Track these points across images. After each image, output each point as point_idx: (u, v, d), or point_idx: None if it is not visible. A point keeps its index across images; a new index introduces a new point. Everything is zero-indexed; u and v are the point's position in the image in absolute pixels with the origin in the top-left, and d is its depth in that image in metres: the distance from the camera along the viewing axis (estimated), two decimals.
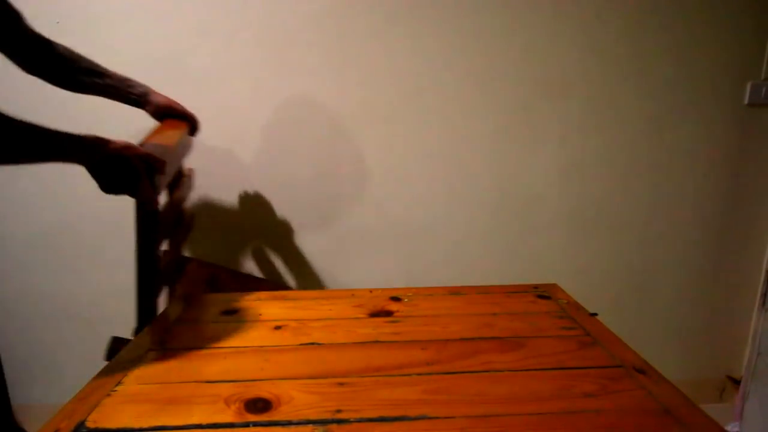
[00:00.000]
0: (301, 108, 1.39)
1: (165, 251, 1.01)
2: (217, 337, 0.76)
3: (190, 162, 1.41)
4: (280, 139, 1.41)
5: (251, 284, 1.39)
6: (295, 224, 1.46)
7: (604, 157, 1.47)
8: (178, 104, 1.10)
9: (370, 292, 0.95)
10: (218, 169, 1.41)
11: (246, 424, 0.53)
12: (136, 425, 0.54)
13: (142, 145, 0.88)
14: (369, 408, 0.56)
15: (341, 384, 0.61)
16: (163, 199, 0.90)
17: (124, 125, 1.37)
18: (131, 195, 0.80)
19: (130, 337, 0.84)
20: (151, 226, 0.88)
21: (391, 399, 0.58)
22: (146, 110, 1.07)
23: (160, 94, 1.08)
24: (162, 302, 0.95)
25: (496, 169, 1.46)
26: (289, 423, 0.54)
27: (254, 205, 1.44)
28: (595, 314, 0.83)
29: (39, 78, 0.98)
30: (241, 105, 1.38)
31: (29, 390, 1.51)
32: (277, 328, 0.79)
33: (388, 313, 0.84)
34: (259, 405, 0.57)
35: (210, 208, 1.44)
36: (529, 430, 0.52)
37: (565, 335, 0.75)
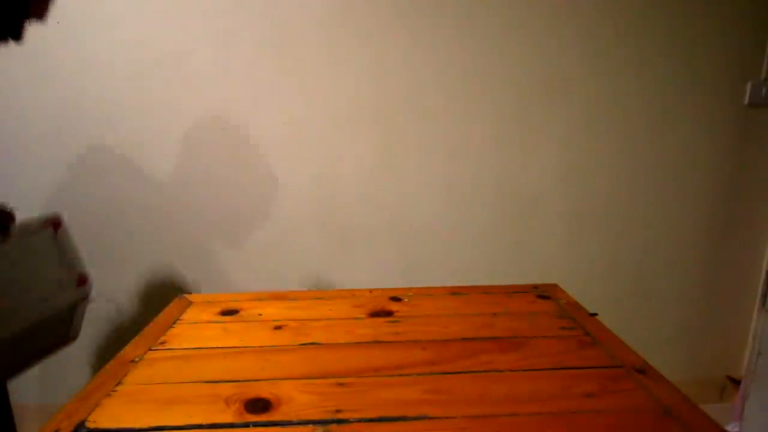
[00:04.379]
0: (301, 108, 1.39)
1: None
2: (217, 337, 0.76)
3: (192, 162, 1.41)
4: (281, 139, 1.41)
5: None
6: (295, 224, 1.46)
7: (604, 157, 1.47)
8: None
9: (370, 292, 0.95)
10: (218, 168, 1.41)
11: (246, 424, 0.53)
12: (136, 425, 0.54)
13: None
14: (369, 408, 0.56)
15: (341, 384, 0.61)
16: None
17: (129, 125, 1.37)
18: None
19: None
20: None
21: (391, 399, 0.58)
22: None
23: None
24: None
25: (496, 168, 1.46)
26: (289, 423, 0.53)
27: (254, 204, 1.44)
28: (595, 314, 0.83)
29: None
30: (241, 105, 1.38)
31: (29, 390, 1.51)
32: (277, 328, 0.79)
33: (388, 313, 0.84)
34: (259, 405, 0.57)
35: (210, 207, 1.44)
36: (529, 430, 0.52)
37: (565, 335, 0.75)
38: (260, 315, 0.85)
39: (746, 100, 1.44)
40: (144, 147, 1.38)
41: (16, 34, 0.72)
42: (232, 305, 0.89)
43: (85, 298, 0.97)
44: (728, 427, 1.58)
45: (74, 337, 0.97)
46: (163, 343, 0.74)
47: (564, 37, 1.38)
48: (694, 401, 0.56)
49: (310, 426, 0.53)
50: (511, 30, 1.37)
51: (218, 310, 0.88)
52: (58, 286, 0.93)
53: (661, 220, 1.52)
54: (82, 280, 0.97)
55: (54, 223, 0.92)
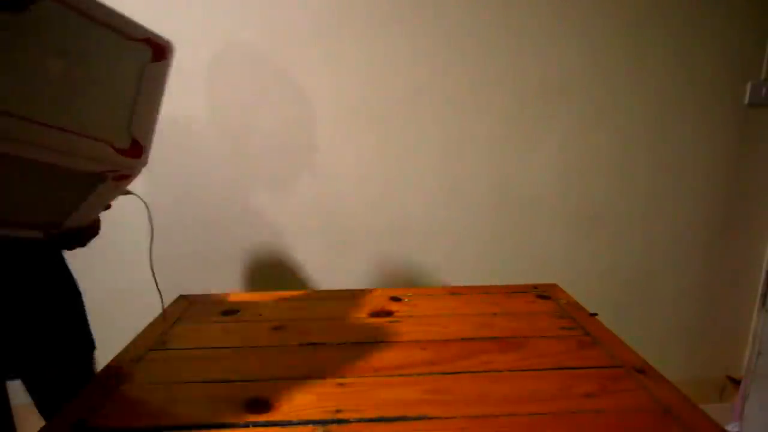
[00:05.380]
0: (300, 108, 1.39)
1: None
2: (217, 337, 0.76)
3: (191, 162, 1.41)
4: (280, 139, 1.41)
5: None
6: (295, 224, 1.46)
7: (603, 157, 1.47)
8: None
9: (370, 292, 0.95)
10: (218, 169, 1.41)
11: (246, 424, 0.53)
12: (136, 425, 0.54)
13: None
14: (369, 408, 0.56)
15: (341, 384, 0.61)
16: None
17: None
18: None
19: None
20: None
21: (391, 399, 0.58)
22: None
23: None
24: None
25: (496, 169, 1.46)
26: (289, 423, 0.53)
27: (254, 205, 1.44)
28: (595, 314, 0.83)
29: None
30: (240, 105, 1.38)
31: None
32: (277, 328, 0.79)
33: (388, 313, 0.84)
34: (259, 405, 0.57)
35: (210, 208, 1.44)
36: (529, 430, 0.52)
37: (565, 335, 0.75)
38: (260, 315, 0.85)
39: (746, 100, 1.44)
40: None
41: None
42: (232, 305, 0.89)
43: (125, 178, 0.63)
44: (728, 427, 1.58)
45: (62, 243, 0.66)
46: (163, 343, 0.74)
47: (563, 37, 1.38)
48: (694, 401, 0.56)
49: (310, 426, 0.53)
50: (509, 30, 1.37)
51: (218, 310, 0.88)
52: (114, 135, 0.60)
53: (661, 219, 1.52)
54: (136, 151, 0.63)
55: (157, 49, 0.61)
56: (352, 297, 0.92)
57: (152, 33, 0.60)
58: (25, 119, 0.49)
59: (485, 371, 0.64)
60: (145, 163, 0.65)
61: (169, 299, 0.93)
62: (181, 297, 0.96)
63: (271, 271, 1.49)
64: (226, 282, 1.48)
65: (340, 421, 0.53)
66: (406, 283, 1.51)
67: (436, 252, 1.51)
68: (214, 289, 1.48)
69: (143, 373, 0.65)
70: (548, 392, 0.59)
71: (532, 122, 1.43)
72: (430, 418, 0.54)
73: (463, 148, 1.44)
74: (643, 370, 0.64)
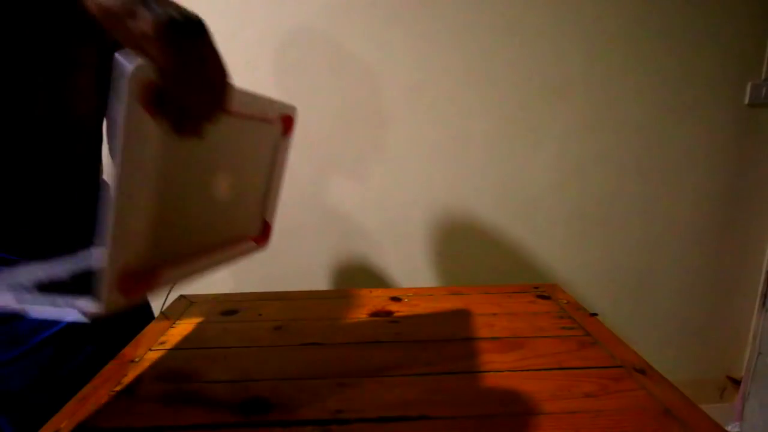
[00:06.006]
0: (300, 108, 1.39)
1: None
2: (217, 337, 0.76)
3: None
4: None
5: None
6: (294, 224, 1.46)
7: (603, 157, 1.47)
8: None
9: (370, 292, 0.95)
10: None
11: (246, 424, 0.53)
12: (137, 425, 0.54)
13: None
14: (369, 408, 0.56)
15: (341, 384, 0.61)
16: None
17: None
18: None
19: None
20: None
21: (391, 399, 0.58)
22: None
23: None
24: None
25: (496, 169, 1.46)
26: (289, 423, 0.53)
27: None
28: (595, 314, 0.83)
29: None
30: None
31: None
32: (277, 328, 0.79)
33: (388, 313, 0.84)
34: (259, 405, 0.57)
35: None
36: (529, 430, 0.52)
37: (565, 335, 0.75)
38: (260, 315, 0.85)
39: (746, 100, 1.44)
40: None
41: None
42: (232, 305, 0.89)
43: (246, 252, 0.55)
44: (728, 427, 1.58)
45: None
46: (163, 343, 0.74)
47: (563, 37, 1.38)
48: (694, 401, 0.56)
49: (310, 426, 0.53)
50: (510, 30, 1.37)
51: (218, 310, 0.88)
52: (254, 226, 0.52)
53: (661, 220, 1.52)
54: (267, 234, 0.56)
55: (286, 122, 0.54)
56: (352, 297, 0.92)
57: (283, 106, 0.53)
58: (191, 255, 0.41)
59: (485, 371, 0.64)
60: (262, 247, 0.57)
61: (168, 299, 0.93)
62: (181, 297, 0.96)
63: (270, 270, 1.49)
64: (226, 282, 1.48)
65: (340, 422, 0.53)
66: (406, 284, 1.52)
67: (436, 252, 1.51)
68: (214, 289, 1.48)
69: (143, 372, 0.65)
70: (548, 392, 0.58)
71: (532, 122, 1.43)
72: (430, 418, 0.54)
73: (464, 148, 1.44)
74: (643, 370, 0.64)
